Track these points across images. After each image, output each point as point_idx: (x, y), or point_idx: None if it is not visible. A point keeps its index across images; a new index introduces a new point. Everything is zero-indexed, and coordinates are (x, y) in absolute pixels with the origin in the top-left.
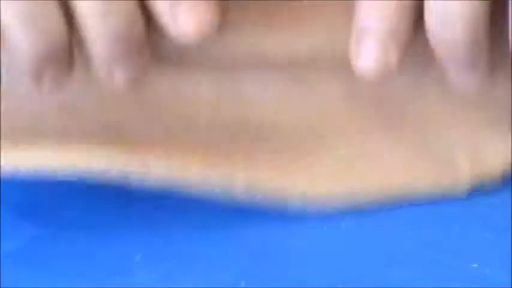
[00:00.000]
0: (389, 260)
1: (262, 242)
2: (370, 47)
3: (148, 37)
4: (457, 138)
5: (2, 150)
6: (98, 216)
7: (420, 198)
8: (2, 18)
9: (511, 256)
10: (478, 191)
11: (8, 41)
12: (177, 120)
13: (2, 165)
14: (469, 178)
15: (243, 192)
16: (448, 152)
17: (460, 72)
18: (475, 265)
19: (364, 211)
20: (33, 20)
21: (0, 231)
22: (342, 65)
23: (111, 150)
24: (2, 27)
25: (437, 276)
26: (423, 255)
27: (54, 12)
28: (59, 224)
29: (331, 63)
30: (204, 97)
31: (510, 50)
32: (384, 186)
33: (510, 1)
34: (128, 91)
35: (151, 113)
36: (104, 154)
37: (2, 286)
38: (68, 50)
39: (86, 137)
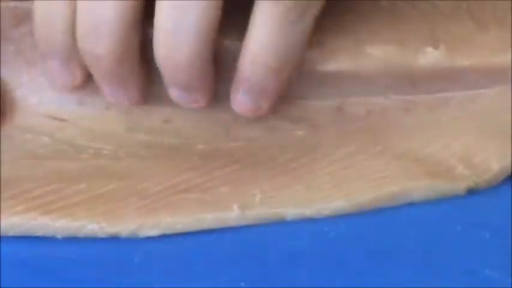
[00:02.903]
0: (389, 260)
1: (262, 242)
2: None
3: None
4: (451, 143)
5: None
6: None
7: (418, 200)
8: None
9: (511, 256)
10: (476, 192)
11: None
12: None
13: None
14: (464, 181)
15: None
16: (442, 156)
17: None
18: (475, 265)
19: (364, 211)
20: None
21: None
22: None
23: None
24: None
25: (437, 276)
26: (423, 255)
27: None
28: None
29: None
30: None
31: None
32: (380, 189)
33: None
34: None
35: None
36: None
37: (2, 286)
38: None
39: None
